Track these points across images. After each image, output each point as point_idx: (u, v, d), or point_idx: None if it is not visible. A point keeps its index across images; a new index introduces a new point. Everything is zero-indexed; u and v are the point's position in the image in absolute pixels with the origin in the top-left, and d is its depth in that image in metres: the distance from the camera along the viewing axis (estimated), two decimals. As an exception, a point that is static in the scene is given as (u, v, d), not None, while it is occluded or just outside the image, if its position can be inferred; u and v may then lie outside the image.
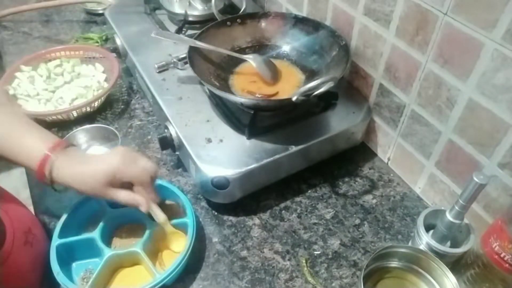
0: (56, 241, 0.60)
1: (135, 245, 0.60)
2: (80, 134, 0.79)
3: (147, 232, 0.61)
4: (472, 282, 0.58)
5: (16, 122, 0.57)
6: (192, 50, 0.75)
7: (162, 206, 0.67)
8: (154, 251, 0.63)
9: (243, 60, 0.80)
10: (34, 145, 0.55)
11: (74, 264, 0.62)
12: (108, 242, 0.63)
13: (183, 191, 0.68)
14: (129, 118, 0.88)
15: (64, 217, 0.63)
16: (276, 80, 0.78)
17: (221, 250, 0.66)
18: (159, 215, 0.61)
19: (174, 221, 0.64)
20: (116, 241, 0.65)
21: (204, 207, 0.71)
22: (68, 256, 0.61)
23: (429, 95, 0.65)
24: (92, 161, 0.57)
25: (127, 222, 0.66)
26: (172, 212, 0.67)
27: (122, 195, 0.57)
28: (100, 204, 0.65)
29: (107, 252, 0.59)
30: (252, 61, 0.78)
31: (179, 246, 0.63)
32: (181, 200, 0.65)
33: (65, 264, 0.60)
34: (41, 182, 0.55)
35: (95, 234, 0.61)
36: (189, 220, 0.62)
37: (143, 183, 0.58)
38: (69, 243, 0.61)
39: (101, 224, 0.62)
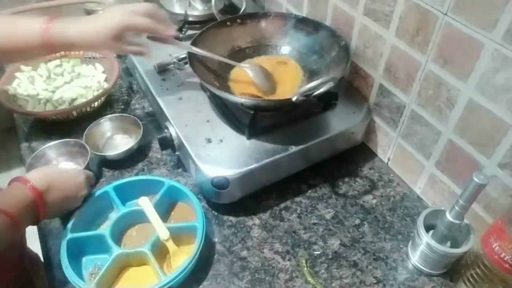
0: (67, 235, 0.60)
1: (143, 245, 0.60)
2: (50, 150, 0.76)
3: (156, 233, 0.61)
4: (472, 282, 0.58)
5: (6, 18, 0.65)
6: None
7: (174, 207, 0.68)
8: (163, 252, 0.63)
9: (243, 60, 0.80)
10: (32, 23, 0.61)
11: (84, 259, 0.63)
12: (118, 239, 0.64)
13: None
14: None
15: (77, 211, 0.63)
16: (273, 91, 0.76)
17: (221, 250, 0.66)
18: (162, 232, 0.61)
19: (184, 223, 0.65)
20: (126, 239, 0.65)
21: (204, 207, 0.71)
22: (78, 250, 0.62)
23: (429, 95, 0.65)
24: (97, 18, 0.64)
25: (139, 221, 0.66)
26: (183, 214, 0.68)
27: (130, 47, 0.66)
28: (113, 201, 0.66)
29: (116, 250, 0.60)
30: (249, 70, 0.76)
31: (178, 260, 0.62)
32: (192, 203, 0.65)
33: (75, 258, 0.61)
34: (48, 49, 0.62)
35: (106, 231, 0.62)
36: (198, 224, 0.62)
37: (151, 12, 0.65)
38: (80, 238, 0.61)
39: (112, 221, 0.63)
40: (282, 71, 0.80)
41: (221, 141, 0.68)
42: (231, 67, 0.80)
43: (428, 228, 0.61)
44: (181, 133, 0.70)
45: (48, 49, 0.62)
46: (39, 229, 0.69)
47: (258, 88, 0.75)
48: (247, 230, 0.68)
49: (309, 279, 0.62)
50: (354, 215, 0.71)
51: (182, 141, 0.69)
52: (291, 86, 0.77)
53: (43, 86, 0.88)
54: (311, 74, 0.79)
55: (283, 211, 0.71)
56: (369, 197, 0.74)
